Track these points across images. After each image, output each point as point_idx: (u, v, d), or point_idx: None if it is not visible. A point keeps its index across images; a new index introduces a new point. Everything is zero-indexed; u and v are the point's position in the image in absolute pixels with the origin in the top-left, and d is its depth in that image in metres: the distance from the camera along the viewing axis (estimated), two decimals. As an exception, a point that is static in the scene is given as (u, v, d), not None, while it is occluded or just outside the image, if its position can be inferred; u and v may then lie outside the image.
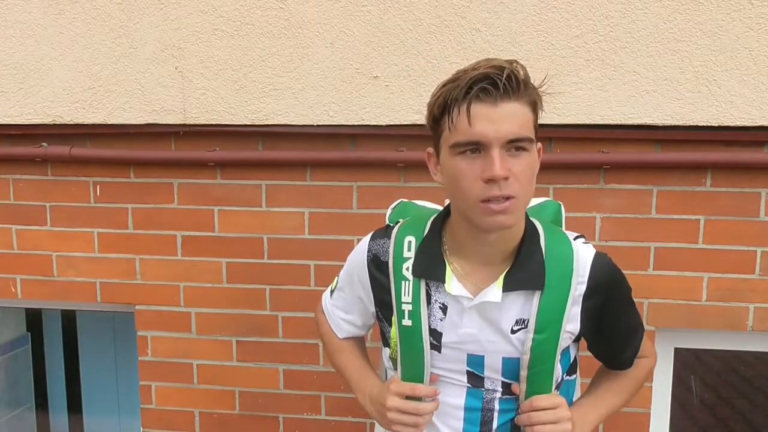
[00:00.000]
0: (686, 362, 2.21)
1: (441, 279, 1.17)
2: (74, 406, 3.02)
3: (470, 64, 1.07)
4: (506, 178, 1.03)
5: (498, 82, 1.02)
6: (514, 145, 1.04)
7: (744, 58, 1.80)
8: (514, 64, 1.05)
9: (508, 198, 1.04)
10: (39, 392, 2.93)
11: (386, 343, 1.30)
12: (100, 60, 2.05)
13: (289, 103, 1.99)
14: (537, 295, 1.15)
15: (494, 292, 1.14)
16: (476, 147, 1.05)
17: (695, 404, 2.39)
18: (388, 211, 1.45)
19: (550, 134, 1.92)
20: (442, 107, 1.07)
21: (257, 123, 2.02)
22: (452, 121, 1.06)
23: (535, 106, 1.08)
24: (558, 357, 1.18)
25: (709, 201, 1.92)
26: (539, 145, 1.13)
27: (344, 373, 1.39)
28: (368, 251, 1.27)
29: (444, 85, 1.08)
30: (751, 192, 1.90)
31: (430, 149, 1.17)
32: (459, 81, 1.05)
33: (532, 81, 1.08)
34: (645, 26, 1.82)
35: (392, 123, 1.95)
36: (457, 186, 1.08)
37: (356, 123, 1.97)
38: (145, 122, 2.07)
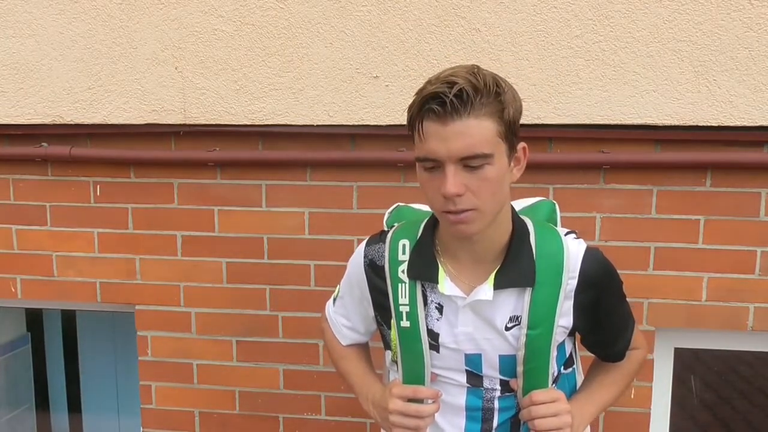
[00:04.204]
0: (686, 362, 2.21)
1: (434, 280, 1.18)
2: (74, 406, 3.02)
3: (436, 74, 1.06)
4: (460, 195, 1.04)
5: (445, 100, 1.01)
6: (467, 162, 1.04)
7: (744, 58, 1.80)
8: (474, 74, 1.03)
9: (464, 211, 1.05)
10: (39, 392, 2.93)
11: (387, 346, 1.32)
12: (100, 60, 2.05)
13: (289, 103, 1.99)
14: (528, 291, 1.16)
15: (486, 290, 1.15)
16: (433, 162, 1.06)
17: (695, 404, 2.39)
18: (386, 215, 1.46)
19: (550, 134, 1.92)
20: (408, 120, 1.09)
21: (257, 123, 2.02)
22: (412, 136, 1.08)
23: (500, 114, 1.04)
24: (553, 352, 1.19)
25: (709, 201, 1.92)
26: (522, 144, 1.13)
27: (348, 379, 1.41)
28: (364, 257, 1.29)
29: (416, 95, 1.07)
30: (751, 192, 1.90)
31: None
32: (419, 95, 1.05)
33: (497, 88, 1.04)
34: (645, 26, 1.82)
35: (392, 123, 1.95)
36: (425, 195, 1.12)
37: (356, 123, 1.97)
38: (145, 122, 2.07)
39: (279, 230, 2.11)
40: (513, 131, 1.08)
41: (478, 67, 1.06)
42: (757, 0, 1.77)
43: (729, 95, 1.82)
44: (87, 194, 2.19)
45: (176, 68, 2.03)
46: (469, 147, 1.02)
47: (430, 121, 1.03)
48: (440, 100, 1.01)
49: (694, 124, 1.85)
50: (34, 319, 2.89)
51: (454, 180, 1.03)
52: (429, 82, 1.05)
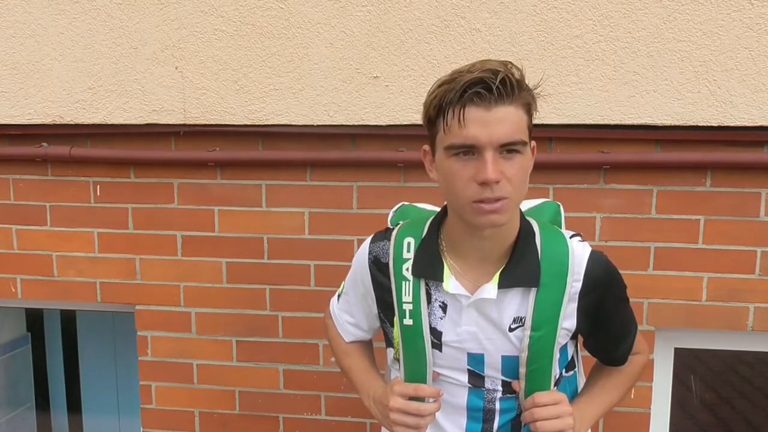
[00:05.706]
0: (686, 362, 2.21)
1: (439, 278, 1.18)
2: (74, 406, 3.02)
3: (466, 66, 1.07)
4: (498, 182, 1.05)
5: (492, 86, 1.02)
6: (507, 148, 1.06)
7: (744, 58, 1.80)
8: (509, 66, 1.06)
9: (499, 199, 1.06)
10: (39, 392, 2.93)
11: (390, 344, 1.32)
12: (100, 60, 2.05)
13: (289, 103, 1.99)
14: (533, 292, 1.16)
15: (490, 289, 1.15)
16: (469, 149, 1.06)
17: (695, 404, 2.39)
18: (390, 214, 1.45)
19: (550, 134, 1.92)
20: (437, 109, 1.09)
21: (257, 123, 2.02)
22: (447, 124, 1.07)
23: (529, 108, 1.09)
24: (556, 354, 1.19)
25: (709, 201, 1.92)
26: (533, 143, 1.15)
27: (350, 375, 1.41)
28: (369, 253, 1.29)
29: (440, 86, 1.09)
30: (751, 192, 1.90)
31: (426, 147, 1.18)
32: (454, 83, 1.05)
33: (526, 82, 1.08)
34: (645, 26, 1.82)
35: (392, 123, 1.95)
36: (450, 186, 1.10)
37: (356, 123, 1.97)
38: (145, 122, 2.07)
39: (279, 230, 2.11)
40: (532, 127, 1.11)
41: (510, 61, 1.08)
42: (757, 0, 1.77)
43: (729, 95, 1.82)
44: (87, 194, 2.20)
45: (176, 68, 2.03)
46: (510, 133, 1.05)
47: (473, 107, 1.04)
48: (486, 85, 1.03)
49: (694, 124, 1.85)
50: (34, 319, 2.90)
51: (494, 166, 1.04)
52: (466, 72, 1.05)
